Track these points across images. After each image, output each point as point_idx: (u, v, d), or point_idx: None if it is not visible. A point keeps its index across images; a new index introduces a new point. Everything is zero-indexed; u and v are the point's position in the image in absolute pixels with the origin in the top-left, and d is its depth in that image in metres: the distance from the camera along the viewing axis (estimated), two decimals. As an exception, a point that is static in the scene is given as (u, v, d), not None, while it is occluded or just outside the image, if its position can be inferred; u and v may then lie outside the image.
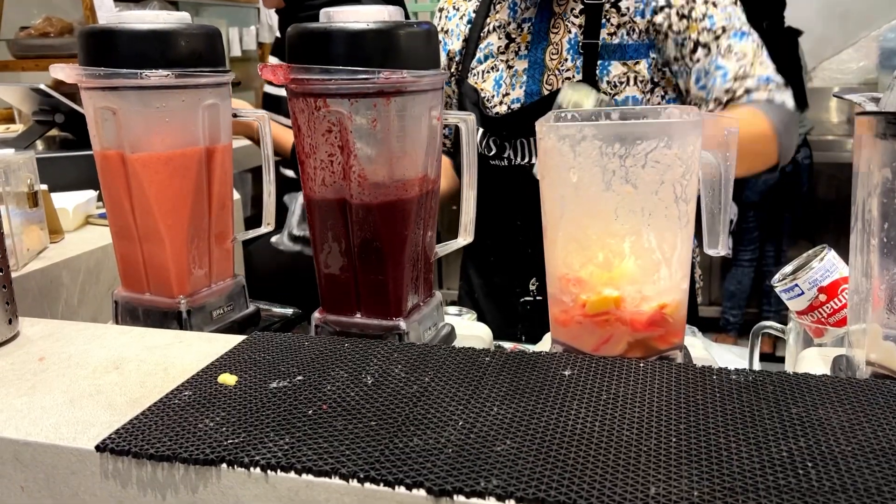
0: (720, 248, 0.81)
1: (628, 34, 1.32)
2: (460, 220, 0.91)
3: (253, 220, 1.84)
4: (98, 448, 0.59)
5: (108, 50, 0.87)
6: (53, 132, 1.88)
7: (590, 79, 1.34)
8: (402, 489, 0.52)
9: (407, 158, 0.81)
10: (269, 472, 0.55)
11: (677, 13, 1.30)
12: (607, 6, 1.32)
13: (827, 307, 0.96)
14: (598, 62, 1.33)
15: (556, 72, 1.37)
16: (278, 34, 1.88)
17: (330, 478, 0.54)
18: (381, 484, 0.53)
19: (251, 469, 0.56)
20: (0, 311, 0.83)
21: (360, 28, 0.77)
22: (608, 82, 1.33)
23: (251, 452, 0.57)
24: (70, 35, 2.76)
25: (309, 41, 0.78)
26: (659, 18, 1.31)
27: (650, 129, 0.71)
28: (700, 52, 1.31)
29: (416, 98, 0.80)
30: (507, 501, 0.50)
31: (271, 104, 1.93)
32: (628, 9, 1.32)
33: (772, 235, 3.90)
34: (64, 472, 0.61)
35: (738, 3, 1.33)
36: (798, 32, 3.68)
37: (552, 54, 1.36)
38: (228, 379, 0.69)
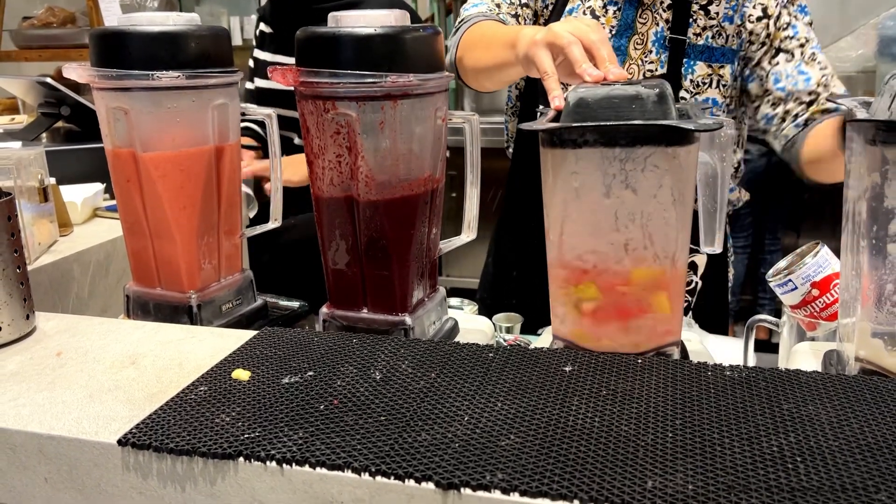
0: (716, 245, 0.84)
1: (713, 37, 1.34)
2: (464, 218, 0.94)
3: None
4: (120, 442, 0.62)
5: (120, 52, 0.89)
6: (59, 124, 1.89)
7: (674, 75, 1.35)
8: (412, 482, 0.55)
9: (413, 159, 0.84)
10: (284, 465, 0.58)
11: (774, 23, 1.35)
12: (696, 7, 1.34)
13: (819, 302, 0.99)
14: (684, 60, 1.35)
15: (639, 63, 1.36)
16: (264, 27, 1.84)
17: (343, 471, 0.57)
18: (392, 477, 0.56)
19: (267, 463, 0.58)
20: (18, 306, 0.85)
21: (368, 33, 0.79)
22: (691, 81, 1.35)
23: (267, 447, 0.59)
24: (73, 25, 2.77)
25: (318, 45, 0.80)
26: (753, 27, 1.34)
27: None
28: (781, 56, 1.35)
29: (423, 101, 0.82)
30: (511, 494, 0.53)
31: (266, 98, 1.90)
32: (717, 13, 1.33)
33: (765, 222, 3.91)
34: (87, 464, 0.64)
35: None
36: None
37: (636, 44, 1.36)
38: (242, 374, 0.72)
